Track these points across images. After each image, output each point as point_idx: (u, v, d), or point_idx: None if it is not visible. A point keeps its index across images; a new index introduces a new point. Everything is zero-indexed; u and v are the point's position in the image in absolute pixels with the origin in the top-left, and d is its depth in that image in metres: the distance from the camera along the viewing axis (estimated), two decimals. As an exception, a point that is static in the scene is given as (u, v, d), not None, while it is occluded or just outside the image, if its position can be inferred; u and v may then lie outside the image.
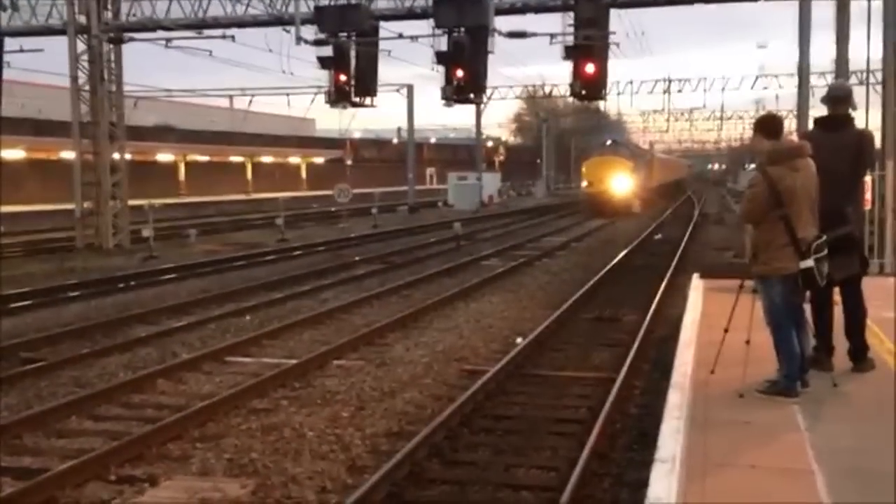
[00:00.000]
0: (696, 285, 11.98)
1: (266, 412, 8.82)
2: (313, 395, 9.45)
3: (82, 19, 25.31)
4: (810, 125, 11.19)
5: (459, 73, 21.68)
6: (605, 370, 10.46)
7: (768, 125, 6.60)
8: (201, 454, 7.54)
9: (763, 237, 6.31)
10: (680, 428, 5.72)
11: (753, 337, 6.44)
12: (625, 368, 9.89)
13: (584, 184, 44.30)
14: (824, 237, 6.23)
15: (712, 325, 7.95)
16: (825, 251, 6.20)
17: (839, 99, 7.21)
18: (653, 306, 14.10)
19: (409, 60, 26.71)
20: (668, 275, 17.80)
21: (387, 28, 24.18)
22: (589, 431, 7.74)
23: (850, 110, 7.32)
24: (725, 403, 6.30)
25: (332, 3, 23.27)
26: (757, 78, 50.12)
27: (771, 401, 6.28)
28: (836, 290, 7.00)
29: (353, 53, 23.78)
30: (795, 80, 26.13)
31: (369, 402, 9.20)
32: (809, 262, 6.14)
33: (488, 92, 39.05)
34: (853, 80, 21.71)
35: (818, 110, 8.76)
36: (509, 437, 8.10)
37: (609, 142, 46.03)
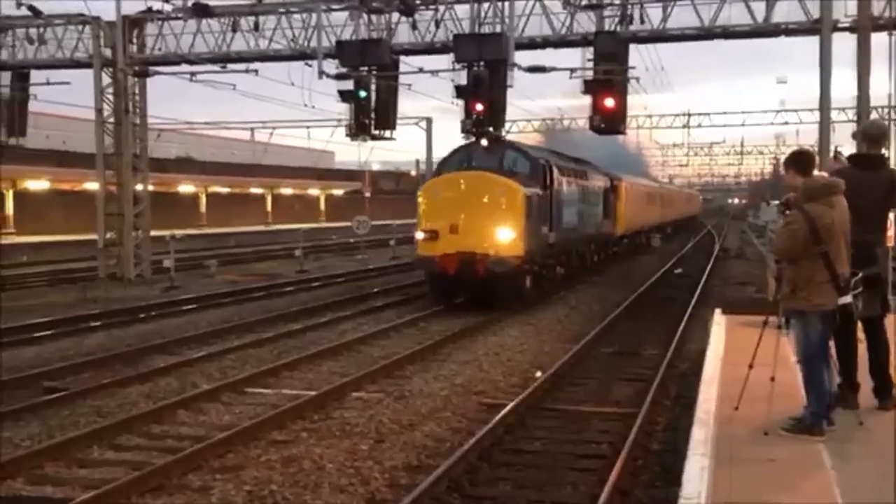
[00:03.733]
0: (719, 320, 11.89)
1: (285, 444, 8.81)
2: (332, 428, 9.44)
3: (108, 53, 25.68)
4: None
5: (479, 106, 21.78)
6: (627, 405, 10.39)
7: (801, 161, 6.60)
8: (221, 485, 7.53)
9: (804, 274, 6.27)
10: (705, 465, 5.66)
11: (778, 374, 6.38)
12: (646, 403, 9.82)
13: (419, 235, 19.51)
14: (860, 273, 6.23)
15: (735, 361, 7.88)
16: (861, 288, 6.21)
17: (874, 137, 7.23)
18: (674, 341, 14.03)
19: (429, 94, 26.91)
20: (689, 309, 17.70)
21: (407, 62, 24.42)
22: (610, 467, 7.68)
23: (884, 150, 7.34)
24: (750, 441, 6.23)
25: (354, 37, 23.53)
26: (777, 112, 49.97)
27: (796, 439, 6.21)
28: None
29: (373, 87, 23.99)
30: (816, 114, 26.21)
31: (388, 434, 9.18)
32: (848, 298, 6.16)
33: (507, 125, 39.20)
34: (873, 115, 21.68)
35: (844, 146, 8.76)
36: (529, 471, 8.06)
37: (484, 142, 20.73)
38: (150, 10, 25.11)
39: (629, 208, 33.90)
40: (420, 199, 19.92)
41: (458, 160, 20.78)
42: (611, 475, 7.37)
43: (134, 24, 25.81)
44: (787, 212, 6.38)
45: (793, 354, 6.91)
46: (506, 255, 18.27)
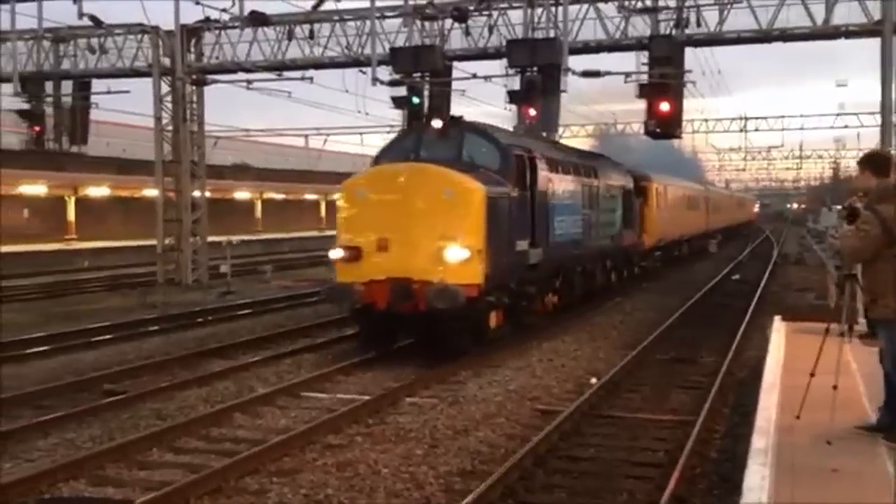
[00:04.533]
0: (778, 328, 11.69)
1: (341, 448, 8.86)
2: (387, 432, 9.47)
3: (167, 62, 26.22)
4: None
5: (532, 112, 21.74)
6: (683, 413, 10.25)
7: (877, 162, 6.43)
8: (278, 489, 7.60)
9: (881, 279, 6.10)
10: (765, 474, 5.55)
11: (841, 382, 6.24)
12: (704, 411, 9.68)
13: (337, 253, 13.66)
14: None
15: (796, 368, 7.73)
16: None
17: None
18: (732, 348, 13.81)
19: (482, 99, 26.89)
20: (748, 316, 17.41)
21: (460, 68, 24.46)
22: (667, 475, 7.59)
23: None
24: (812, 450, 6.10)
25: (407, 44, 23.65)
26: (837, 116, 48.86)
27: (859, 447, 6.06)
28: None
29: (426, 93, 24.08)
30: (877, 118, 25.61)
31: (442, 440, 9.17)
32: None
33: (560, 130, 38.94)
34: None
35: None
36: (585, 479, 7.99)
37: (437, 123, 15.04)
38: (207, 19, 25.56)
39: (662, 214, 28.39)
40: (339, 203, 14.36)
41: (403, 149, 15.00)
42: (668, 483, 7.27)
43: (192, 33, 26.31)
44: (851, 217, 6.22)
45: (854, 362, 6.76)
46: (455, 284, 12.74)
